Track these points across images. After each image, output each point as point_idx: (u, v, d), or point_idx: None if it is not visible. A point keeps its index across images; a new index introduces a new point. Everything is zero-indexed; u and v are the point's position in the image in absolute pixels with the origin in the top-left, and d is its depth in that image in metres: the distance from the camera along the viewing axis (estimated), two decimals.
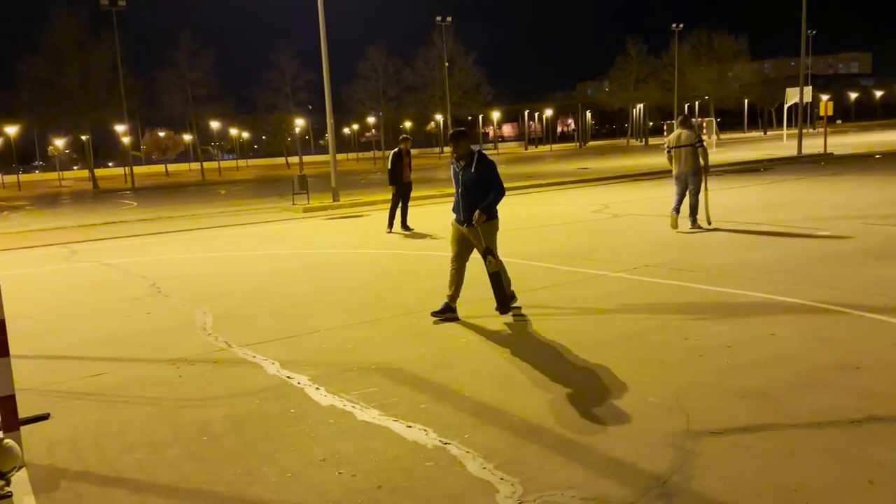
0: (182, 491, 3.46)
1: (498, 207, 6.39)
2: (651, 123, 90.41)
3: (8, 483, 3.57)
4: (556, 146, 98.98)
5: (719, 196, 15.16)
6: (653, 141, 77.47)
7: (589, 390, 4.49)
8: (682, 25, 69.09)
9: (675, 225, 11.13)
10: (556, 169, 34.76)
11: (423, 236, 12.58)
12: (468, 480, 3.38)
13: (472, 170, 6.27)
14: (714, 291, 6.91)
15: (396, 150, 13.47)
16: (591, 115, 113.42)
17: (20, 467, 3.73)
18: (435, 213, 16.69)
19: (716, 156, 29.25)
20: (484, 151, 6.48)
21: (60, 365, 5.74)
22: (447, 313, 6.44)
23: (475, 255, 6.55)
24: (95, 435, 4.21)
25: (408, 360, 5.31)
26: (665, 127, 57.39)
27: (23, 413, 4.07)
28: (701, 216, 11.35)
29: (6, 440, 3.73)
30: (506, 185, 6.43)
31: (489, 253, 6.33)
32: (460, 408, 4.31)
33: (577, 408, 4.21)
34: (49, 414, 4.55)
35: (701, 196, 11.32)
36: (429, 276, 8.71)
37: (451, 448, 3.74)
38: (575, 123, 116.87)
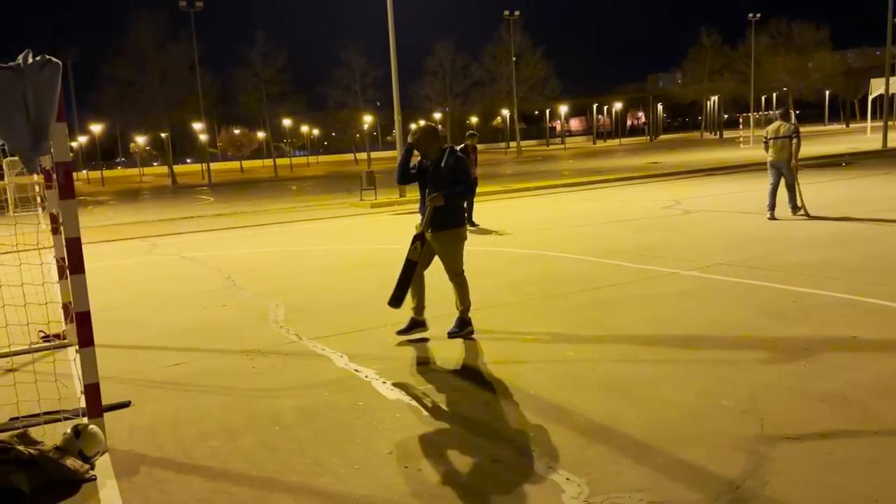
0: (254, 479, 3.56)
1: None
2: (726, 116, 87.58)
3: (92, 467, 3.76)
4: (625, 140, 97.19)
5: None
6: (728, 134, 75.05)
7: (658, 391, 4.40)
8: (758, 15, 66.68)
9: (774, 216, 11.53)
10: (625, 163, 34.12)
11: (488, 232, 12.56)
12: (534, 479, 3.36)
13: (443, 165, 5.62)
14: (791, 291, 6.66)
15: (462, 146, 13.47)
16: (663, 108, 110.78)
17: (103, 452, 3.93)
18: (500, 208, 16.64)
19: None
20: (455, 148, 5.88)
21: (141, 354, 6.00)
22: (416, 329, 5.87)
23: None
24: (173, 423, 4.38)
25: (473, 357, 5.33)
26: (741, 120, 55.54)
27: (106, 400, 4.28)
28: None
29: (91, 426, 3.92)
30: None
31: (419, 239, 5.78)
32: (526, 406, 4.29)
33: (646, 408, 4.13)
34: (130, 401, 4.78)
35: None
36: (494, 272, 8.70)
37: (517, 446, 3.72)
38: (646, 117, 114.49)
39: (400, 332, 5.87)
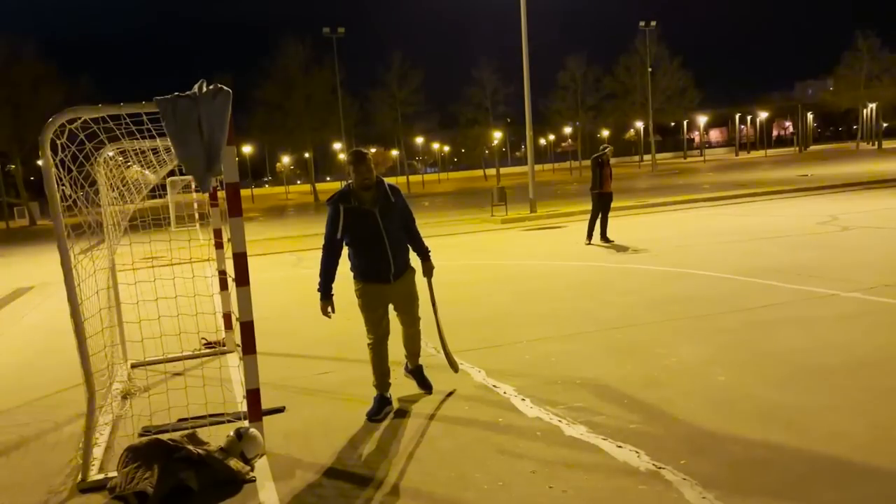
0: (403, 489, 3.65)
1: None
2: (885, 125, 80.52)
3: (252, 468, 4.00)
4: (770, 151, 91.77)
5: None
6: (887, 144, 68.99)
7: (823, 421, 4.09)
8: None
9: None
10: (772, 176, 32.20)
11: (623, 248, 12.24)
12: None
13: (393, 200, 4.78)
14: None
15: (596, 156, 13.24)
16: (813, 118, 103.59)
17: (262, 455, 4.17)
18: (636, 224, 16.17)
19: None
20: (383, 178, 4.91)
21: (293, 362, 6.33)
22: (386, 408, 4.86)
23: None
24: (325, 429, 4.58)
25: (614, 377, 5.19)
26: None
27: (262, 405, 4.54)
28: None
29: (251, 429, 4.18)
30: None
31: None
32: (674, 431, 4.12)
33: (810, 440, 3.85)
34: (285, 407, 5.05)
35: None
36: (631, 289, 8.45)
37: (666, 473, 3.58)
38: (794, 126, 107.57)
39: (372, 419, 4.74)
